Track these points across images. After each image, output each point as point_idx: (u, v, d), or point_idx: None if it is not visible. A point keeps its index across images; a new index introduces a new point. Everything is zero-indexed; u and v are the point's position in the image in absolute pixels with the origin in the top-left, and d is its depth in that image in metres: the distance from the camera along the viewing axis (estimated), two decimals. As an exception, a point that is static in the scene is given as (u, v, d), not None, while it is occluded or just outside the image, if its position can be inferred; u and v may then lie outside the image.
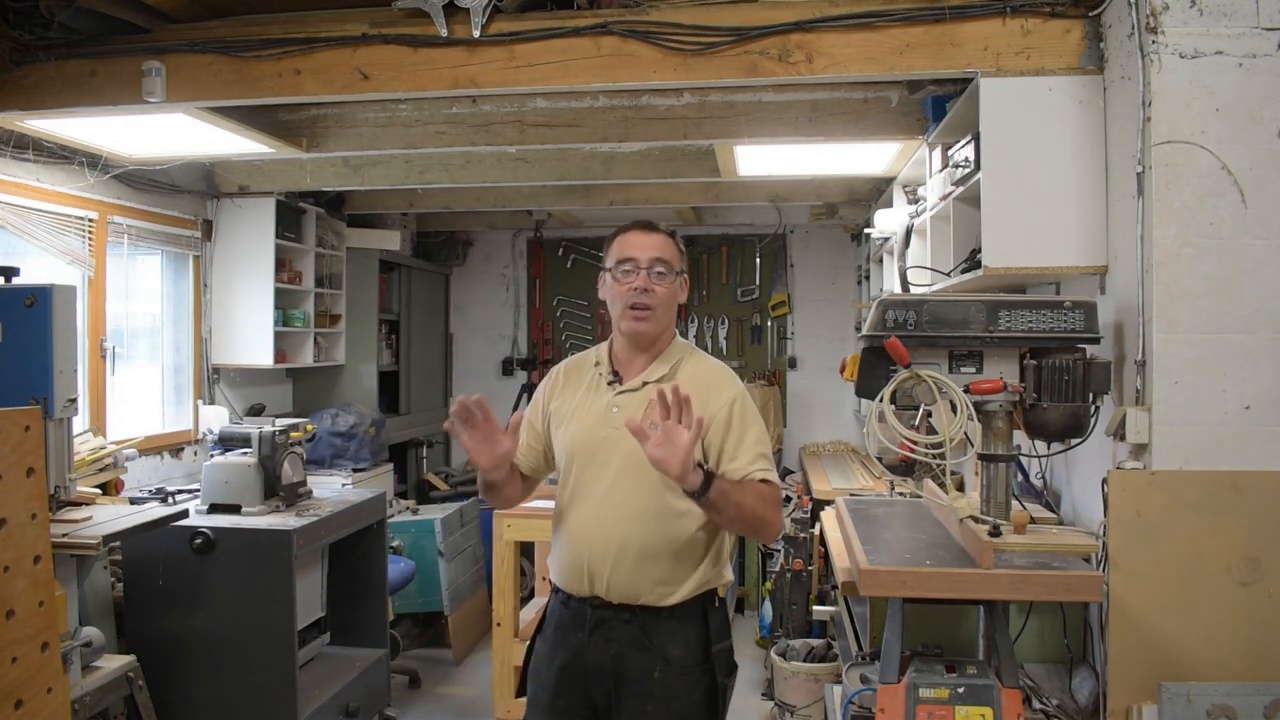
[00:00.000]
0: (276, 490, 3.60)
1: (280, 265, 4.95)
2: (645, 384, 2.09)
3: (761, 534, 2.08)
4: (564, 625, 2.08)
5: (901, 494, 3.28)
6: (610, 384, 2.13)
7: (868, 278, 5.58)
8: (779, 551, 4.55)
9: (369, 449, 5.21)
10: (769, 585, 4.64)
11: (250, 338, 4.84)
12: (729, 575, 2.18)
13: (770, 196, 5.30)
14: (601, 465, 2.05)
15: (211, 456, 3.73)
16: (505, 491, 2.17)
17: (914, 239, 3.68)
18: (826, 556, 3.82)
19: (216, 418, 4.29)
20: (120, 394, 4.21)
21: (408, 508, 5.40)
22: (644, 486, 1.99)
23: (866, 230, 4.89)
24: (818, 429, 6.44)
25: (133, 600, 3.39)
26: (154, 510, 3.10)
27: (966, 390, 2.19)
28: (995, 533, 2.09)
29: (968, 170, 2.91)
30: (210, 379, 4.88)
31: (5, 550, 2.04)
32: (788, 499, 5.40)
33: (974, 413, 2.17)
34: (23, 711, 2.09)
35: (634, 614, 2.01)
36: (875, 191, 5.11)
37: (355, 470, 5.07)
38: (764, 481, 2.02)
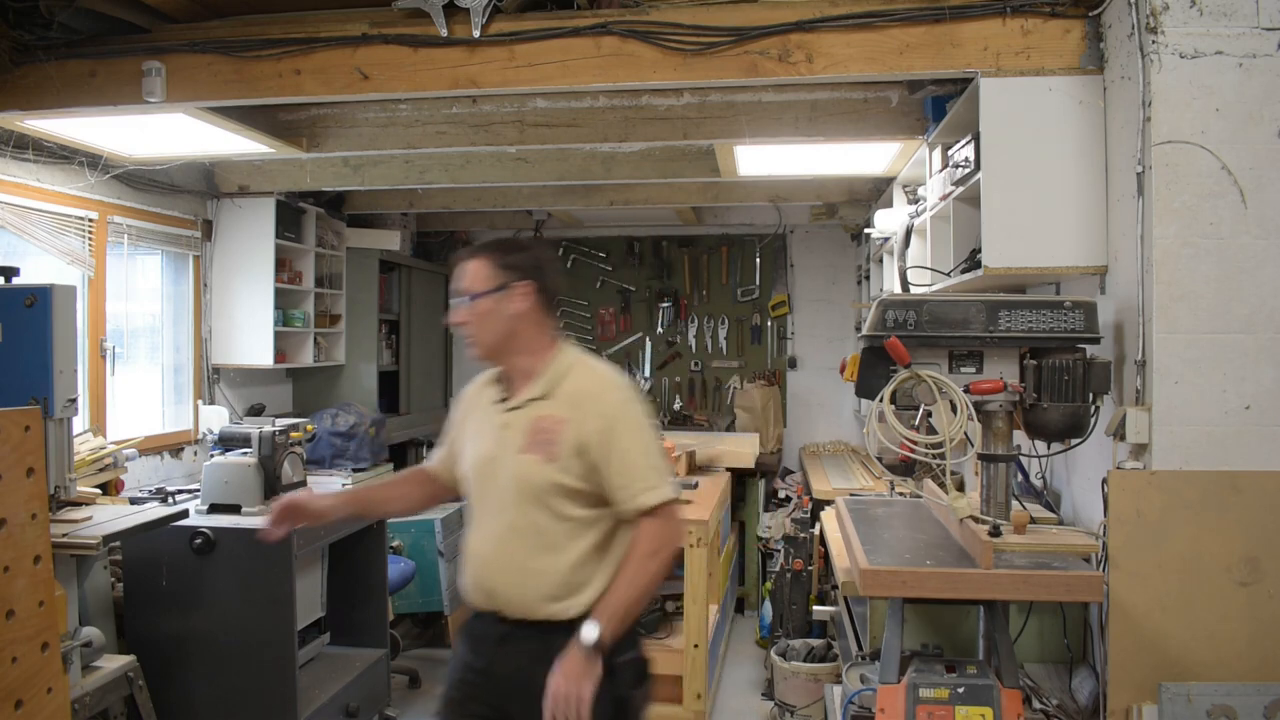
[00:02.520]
0: (276, 490, 3.60)
1: (280, 265, 4.95)
2: (530, 400, 2.03)
3: (666, 572, 2.00)
4: (476, 635, 2.09)
5: (901, 494, 3.28)
6: (497, 403, 2.09)
7: (868, 278, 5.58)
8: (779, 551, 4.56)
9: (369, 449, 5.21)
10: (769, 585, 4.64)
11: (250, 338, 4.84)
12: None
13: (770, 196, 5.30)
14: (492, 485, 2.03)
15: (211, 456, 3.73)
16: (393, 510, 2.37)
17: (914, 239, 3.68)
18: (826, 556, 3.82)
19: (216, 418, 4.29)
20: (120, 394, 4.21)
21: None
22: (531, 505, 1.97)
23: (866, 230, 4.89)
24: (818, 429, 6.44)
25: (133, 600, 3.39)
26: (154, 510, 3.10)
27: (966, 390, 2.19)
28: (995, 533, 2.09)
29: (968, 170, 2.91)
30: (210, 379, 4.88)
31: (5, 550, 2.04)
32: (788, 499, 5.41)
33: (974, 413, 2.17)
34: (23, 711, 2.09)
35: (536, 629, 1.97)
36: (875, 191, 5.11)
37: (355, 470, 5.07)
38: (647, 514, 1.94)
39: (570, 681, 1.83)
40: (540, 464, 1.96)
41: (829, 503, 3.61)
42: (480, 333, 2.05)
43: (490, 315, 2.03)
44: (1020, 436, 2.37)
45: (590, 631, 1.86)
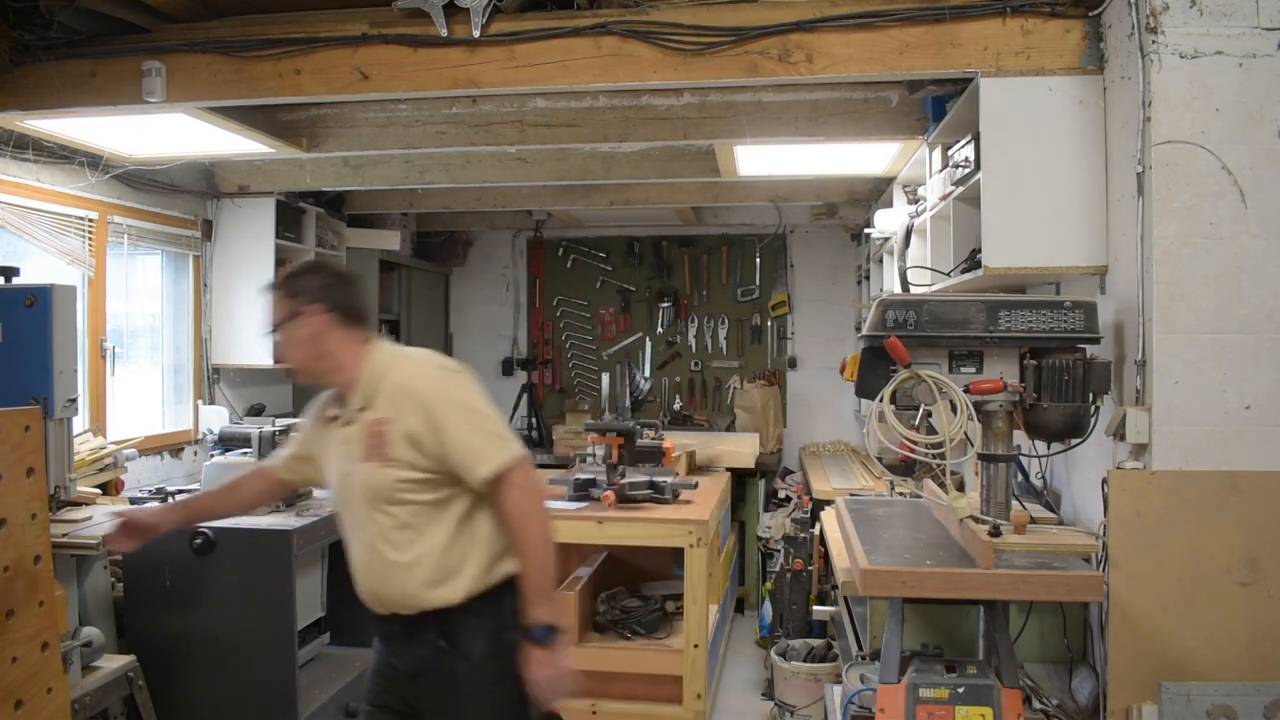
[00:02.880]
0: (276, 490, 3.60)
1: (280, 265, 4.94)
2: (357, 411, 2.07)
3: (546, 522, 2.03)
4: (384, 635, 2.15)
5: (901, 494, 3.28)
6: (333, 421, 2.14)
7: (868, 278, 5.58)
8: (779, 551, 4.56)
9: (369, 449, 5.20)
10: (769, 585, 4.64)
11: (250, 338, 4.83)
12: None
13: (770, 196, 5.30)
14: (350, 499, 2.09)
15: (211, 456, 3.73)
16: (228, 512, 2.42)
17: (914, 239, 3.68)
18: (826, 556, 3.82)
19: (216, 418, 4.28)
20: (120, 394, 4.21)
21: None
22: (387, 507, 2.02)
23: (866, 230, 4.89)
24: (818, 429, 6.44)
25: (133, 600, 3.38)
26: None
27: (966, 390, 2.19)
28: (995, 533, 2.09)
29: (968, 170, 2.91)
30: (210, 379, 4.88)
31: (5, 550, 2.04)
32: (788, 499, 5.41)
33: (974, 413, 2.17)
34: (23, 711, 2.09)
35: (432, 619, 2.03)
36: (875, 191, 5.11)
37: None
38: (498, 482, 1.97)
39: (545, 666, 1.94)
40: (380, 468, 2.00)
41: (829, 503, 3.61)
42: (292, 361, 2.13)
43: (293, 344, 2.10)
44: (1020, 436, 2.37)
45: (532, 624, 1.96)
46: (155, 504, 3.20)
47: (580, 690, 3.80)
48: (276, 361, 2.15)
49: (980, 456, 2.30)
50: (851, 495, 3.69)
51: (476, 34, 2.88)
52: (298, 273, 2.17)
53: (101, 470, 3.69)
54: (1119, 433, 2.38)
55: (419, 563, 2.01)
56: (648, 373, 6.56)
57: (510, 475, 1.98)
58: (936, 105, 3.28)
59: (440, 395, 2.00)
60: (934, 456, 2.17)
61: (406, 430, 1.98)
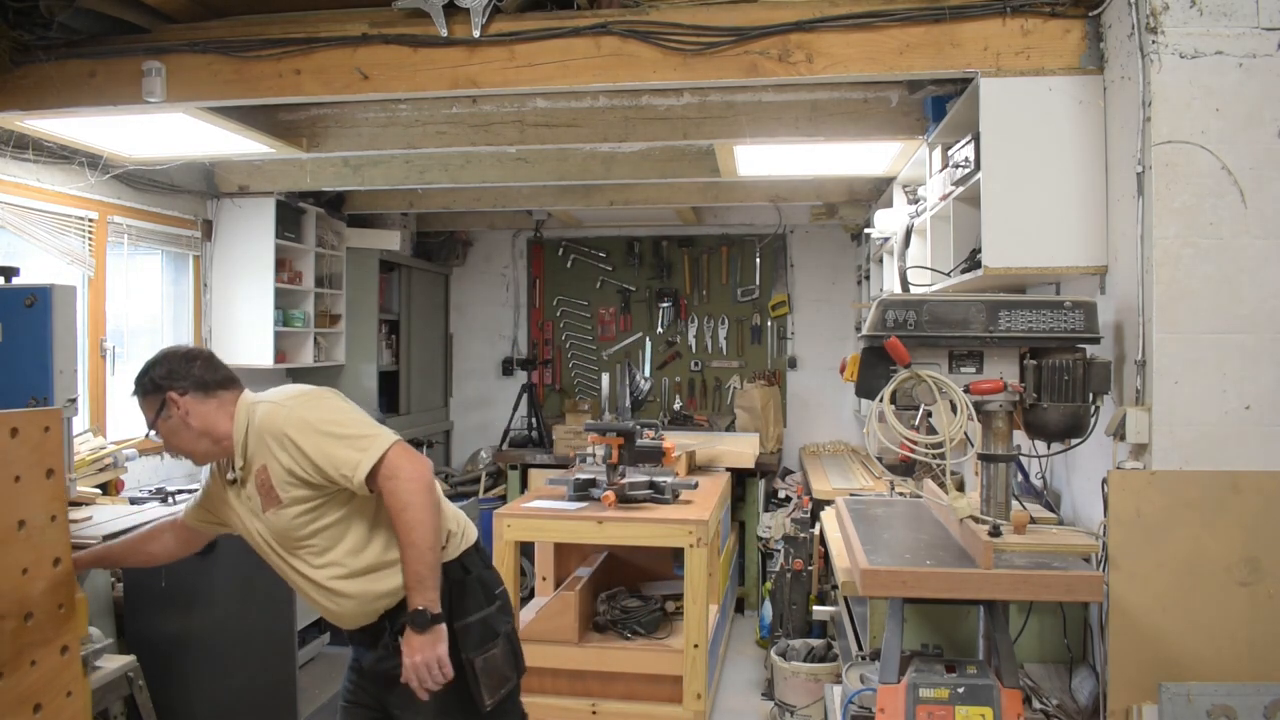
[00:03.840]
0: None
1: (280, 265, 4.95)
2: (241, 469, 2.11)
3: (428, 509, 2.00)
4: (355, 641, 2.25)
5: (901, 494, 3.28)
6: (231, 485, 2.17)
7: (868, 278, 5.58)
8: (779, 551, 4.56)
9: (369, 449, 5.20)
10: (769, 585, 4.64)
11: (250, 338, 4.84)
12: (454, 544, 2.18)
13: (770, 196, 5.30)
14: (267, 550, 2.15)
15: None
16: (146, 561, 2.51)
17: (914, 239, 3.68)
18: (826, 556, 3.82)
19: (216, 418, 4.27)
20: (120, 394, 4.20)
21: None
22: (303, 543, 2.09)
23: (866, 230, 4.89)
24: (818, 429, 6.43)
25: (132, 600, 3.38)
26: (154, 510, 3.10)
27: (966, 390, 2.19)
28: (995, 533, 2.09)
29: (968, 170, 2.91)
30: (210, 379, 4.87)
31: (24, 552, 2.01)
32: (788, 499, 5.40)
33: (974, 413, 2.17)
34: (41, 715, 2.07)
35: (386, 619, 2.13)
36: (875, 191, 5.11)
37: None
38: (378, 479, 1.99)
39: (418, 651, 1.97)
40: (278, 512, 2.06)
41: (829, 503, 3.61)
42: (182, 449, 2.15)
43: (173, 434, 2.13)
44: (1020, 436, 2.37)
45: (412, 610, 1.98)
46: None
47: (580, 690, 3.82)
48: (170, 454, 2.21)
49: (980, 456, 2.30)
50: (851, 495, 3.69)
51: (476, 34, 2.88)
52: (145, 370, 2.17)
53: (101, 470, 3.69)
54: (1119, 433, 2.38)
55: (350, 579, 2.08)
56: (648, 373, 6.56)
57: (381, 469, 1.98)
58: (936, 105, 3.28)
59: (290, 424, 2.03)
60: (934, 456, 2.17)
61: (282, 469, 2.03)
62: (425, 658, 1.97)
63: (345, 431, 2.02)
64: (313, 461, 2.00)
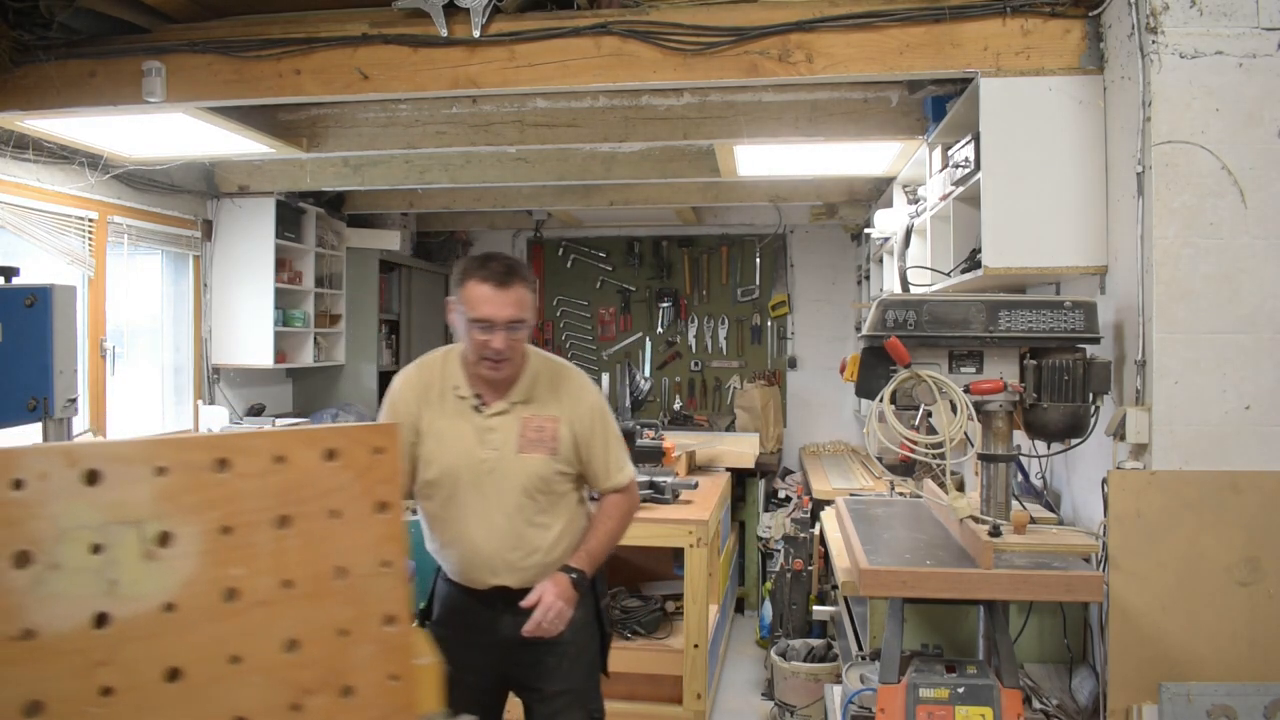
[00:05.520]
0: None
1: (280, 265, 4.95)
2: (514, 404, 2.21)
3: (625, 532, 2.39)
4: (469, 609, 2.30)
5: (901, 494, 3.28)
6: (477, 409, 2.21)
7: (868, 278, 5.58)
8: (779, 551, 4.56)
9: (369, 449, 5.20)
10: (769, 585, 4.64)
11: (250, 338, 4.84)
12: None
13: (770, 196, 5.30)
14: (485, 485, 2.20)
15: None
16: None
17: (914, 239, 3.68)
18: (826, 556, 3.82)
19: (216, 418, 4.29)
20: (120, 394, 4.21)
21: (408, 507, 5.39)
22: (536, 495, 2.21)
23: (866, 230, 4.89)
24: (818, 429, 6.44)
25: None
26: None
27: (966, 390, 2.19)
28: (995, 533, 2.09)
29: (968, 170, 2.91)
30: (210, 379, 4.88)
31: (341, 608, 1.54)
32: (788, 499, 5.41)
33: (974, 413, 2.17)
34: None
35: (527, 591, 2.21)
36: (875, 191, 5.11)
37: (355, 470, 5.06)
38: (619, 491, 2.31)
39: (557, 596, 2.14)
40: (544, 460, 2.20)
41: (829, 503, 3.61)
42: (516, 356, 2.18)
43: (523, 340, 2.19)
44: (1020, 436, 2.37)
45: (575, 568, 2.21)
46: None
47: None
48: (500, 352, 2.11)
49: (980, 456, 2.30)
50: (851, 495, 3.69)
51: (476, 34, 2.88)
52: (522, 266, 2.18)
53: (101, 470, 3.68)
54: (1119, 433, 2.38)
55: (544, 545, 2.23)
56: (648, 373, 6.56)
57: (629, 487, 2.34)
58: (936, 105, 3.28)
59: (602, 409, 2.29)
60: (934, 456, 2.17)
61: (573, 431, 2.22)
62: (563, 604, 2.14)
63: (623, 444, 2.36)
64: (595, 445, 2.24)
